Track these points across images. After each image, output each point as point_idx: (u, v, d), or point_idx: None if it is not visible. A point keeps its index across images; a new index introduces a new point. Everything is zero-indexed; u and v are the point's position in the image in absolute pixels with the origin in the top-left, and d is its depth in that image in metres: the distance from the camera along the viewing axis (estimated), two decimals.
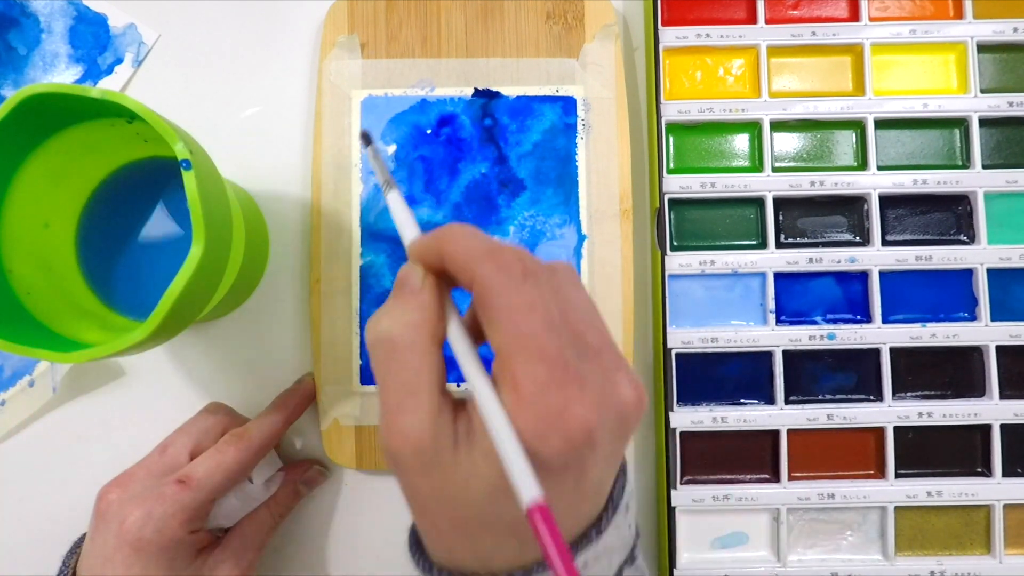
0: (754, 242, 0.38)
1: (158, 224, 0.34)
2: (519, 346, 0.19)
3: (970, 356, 0.38)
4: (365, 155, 0.37)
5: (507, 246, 0.21)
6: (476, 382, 0.20)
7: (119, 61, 0.40)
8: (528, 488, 0.18)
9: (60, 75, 0.40)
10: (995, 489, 0.37)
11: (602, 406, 0.19)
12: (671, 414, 0.37)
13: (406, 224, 0.24)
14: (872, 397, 0.38)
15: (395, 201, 0.26)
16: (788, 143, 0.39)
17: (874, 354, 0.37)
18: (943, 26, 0.38)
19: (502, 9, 0.39)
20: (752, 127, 0.39)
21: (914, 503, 0.37)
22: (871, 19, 0.39)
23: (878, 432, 0.37)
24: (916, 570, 0.36)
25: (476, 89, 0.38)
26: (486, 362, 0.21)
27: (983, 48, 0.39)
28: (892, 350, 0.37)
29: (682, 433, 0.37)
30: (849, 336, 0.37)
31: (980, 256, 0.37)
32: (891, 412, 0.37)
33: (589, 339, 0.20)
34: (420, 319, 0.21)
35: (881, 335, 0.37)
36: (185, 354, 0.39)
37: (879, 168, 0.38)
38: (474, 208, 0.38)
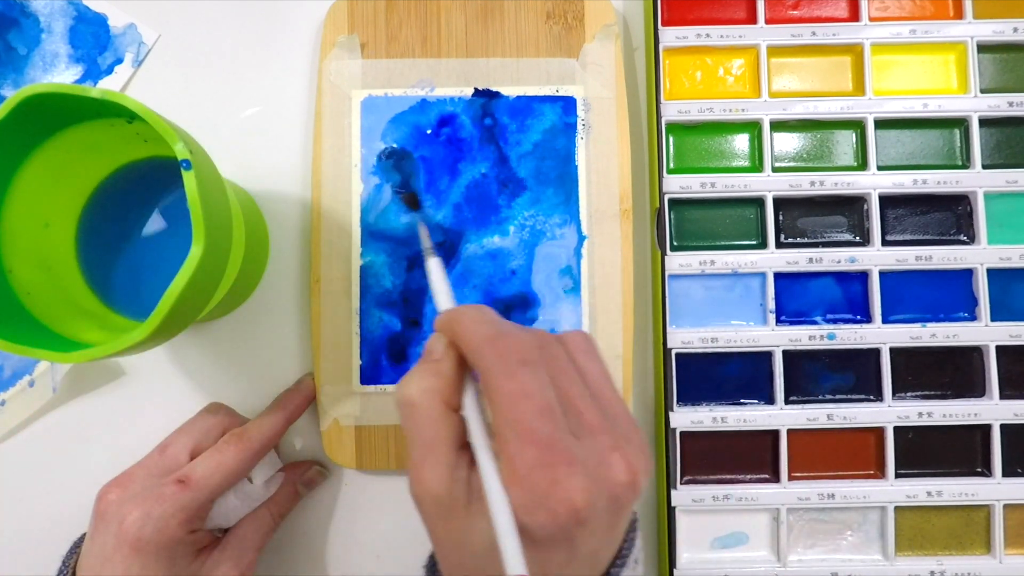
0: (754, 242, 0.38)
1: (158, 224, 0.34)
2: (512, 429, 0.21)
3: (970, 356, 0.38)
4: (414, 219, 0.37)
5: (511, 332, 0.23)
6: (480, 454, 0.22)
7: (119, 61, 0.40)
8: (513, 563, 0.20)
9: (60, 75, 0.40)
10: (995, 489, 0.37)
11: (592, 486, 0.21)
12: (671, 414, 0.37)
13: (440, 293, 0.28)
14: (872, 397, 0.38)
15: (435, 269, 0.29)
16: (788, 143, 0.39)
17: (874, 354, 0.37)
18: (943, 26, 0.38)
19: (502, 9, 0.39)
20: (752, 127, 0.39)
21: (914, 503, 0.37)
22: (871, 19, 0.39)
23: (878, 432, 0.37)
24: (916, 570, 0.36)
25: (476, 89, 0.38)
26: None
27: (983, 48, 0.39)
28: (892, 350, 0.37)
29: (682, 433, 0.37)
30: (849, 336, 0.37)
31: (980, 256, 0.37)
32: (891, 412, 0.37)
33: (587, 418, 0.22)
34: (438, 386, 0.24)
35: (881, 335, 0.37)
36: (185, 354, 0.39)
37: (879, 168, 0.38)
38: (474, 208, 0.38)
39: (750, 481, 0.37)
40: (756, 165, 0.39)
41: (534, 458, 0.21)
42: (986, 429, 0.37)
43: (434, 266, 0.29)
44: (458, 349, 0.24)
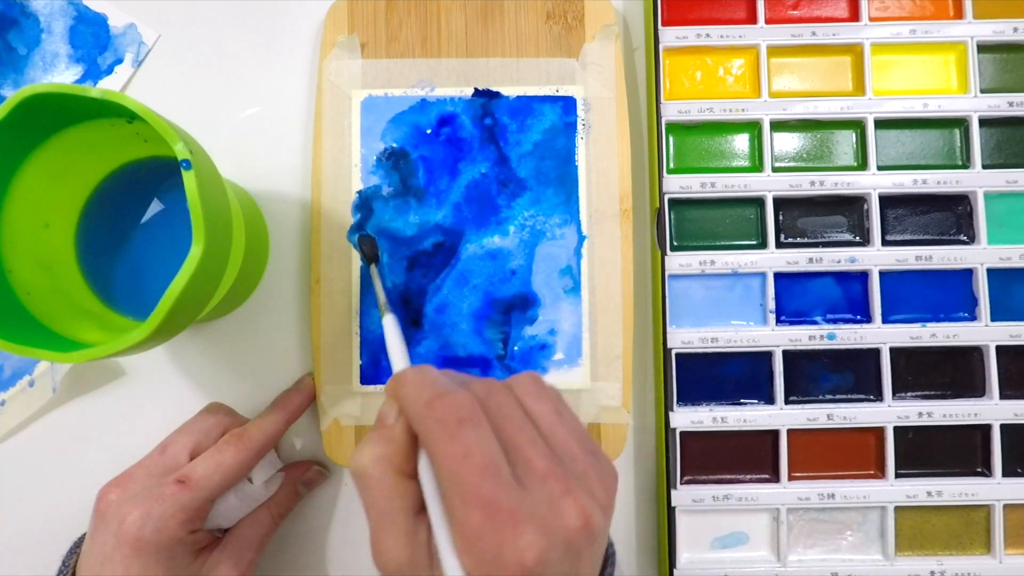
0: (754, 242, 0.38)
1: (158, 224, 0.34)
2: (457, 493, 0.21)
3: (970, 356, 0.38)
4: (364, 269, 0.37)
5: (447, 393, 0.23)
6: (434, 521, 0.22)
7: (119, 61, 0.40)
8: None
9: (60, 75, 0.40)
10: (995, 489, 0.37)
11: (544, 539, 0.20)
12: (671, 414, 0.37)
13: (395, 355, 0.28)
14: (872, 397, 0.38)
15: (390, 328, 0.29)
16: (788, 143, 0.39)
17: (874, 354, 0.37)
18: (943, 26, 0.38)
19: (502, 9, 0.39)
20: (752, 127, 0.39)
21: (914, 503, 0.37)
22: (871, 19, 0.39)
23: (878, 432, 0.37)
24: (916, 570, 0.36)
25: (476, 89, 0.38)
26: None
27: (983, 48, 0.39)
28: (892, 350, 0.37)
29: (682, 433, 0.37)
30: (849, 336, 0.37)
31: (980, 256, 0.37)
32: (891, 412, 0.37)
33: (536, 464, 0.22)
34: (389, 454, 0.23)
35: (881, 335, 0.37)
36: (185, 354, 0.39)
37: (879, 168, 0.38)
38: (474, 208, 0.38)
39: (750, 481, 0.37)
40: (756, 165, 0.39)
41: (480, 521, 0.20)
42: (986, 429, 0.37)
43: (389, 325, 0.29)
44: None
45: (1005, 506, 0.36)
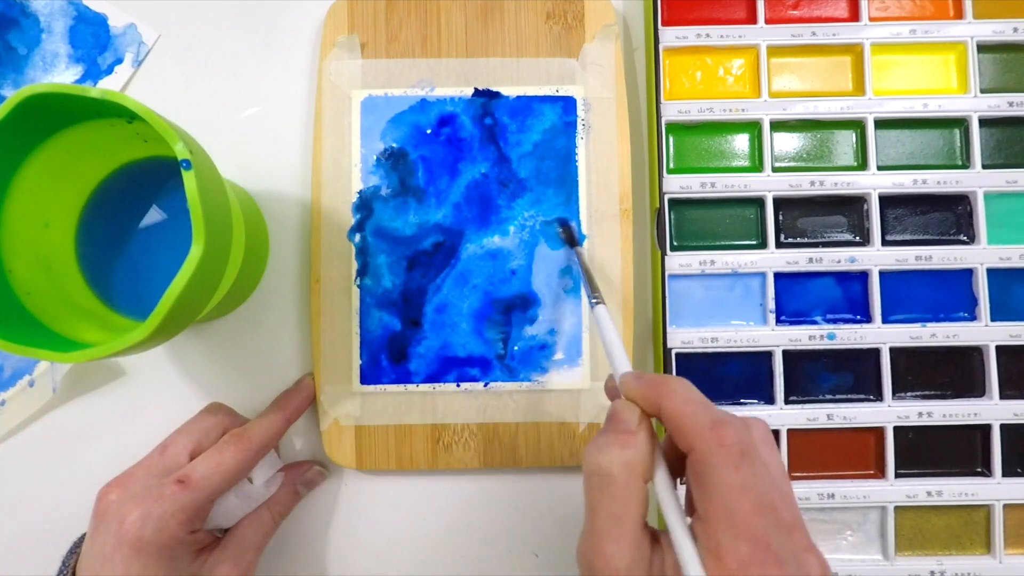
0: (754, 242, 0.38)
1: (158, 224, 0.34)
2: (728, 523, 0.21)
3: (970, 356, 0.38)
4: (573, 256, 0.34)
5: (728, 421, 0.23)
6: (679, 537, 0.22)
7: (119, 61, 0.40)
8: None
9: (60, 75, 0.40)
10: (995, 489, 0.37)
11: None
12: None
13: (617, 351, 0.27)
14: (872, 397, 0.38)
15: (604, 319, 0.28)
16: (788, 143, 0.39)
17: (874, 354, 0.37)
18: (943, 26, 0.38)
19: (502, 9, 0.39)
20: (752, 127, 0.39)
21: (914, 503, 0.37)
22: (871, 19, 0.39)
23: (878, 432, 0.37)
24: (916, 570, 0.36)
25: (476, 89, 0.38)
26: None
27: (983, 48, 0.39)
28: (892, 350, 0.37)
29: None
30: (849, 336, 0.37)
31: (980, 256, 0.37)
32: (891, 412, 0.37)
33: (784, 515, 0.22)
34: (636, 459, 0.23)
35: (881, 335, 0.37)
36: (185, 354, 0.39)
37: (879, 168, 0.38)
38: (474, 208, 0.38)
39: None
40: (756, 165, 0.39)
41: (747, 555, 0.20)
42: (986, 429, 0.37)
43: (604, 316, 0.28)
44: (649, 420, 0.24)
45: (1005, 506, 0.36)
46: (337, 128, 0.38)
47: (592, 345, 0.37)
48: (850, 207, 0.39)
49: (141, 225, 0.34)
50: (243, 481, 0.34)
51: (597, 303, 0.30)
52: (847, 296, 0.38)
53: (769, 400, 0.37)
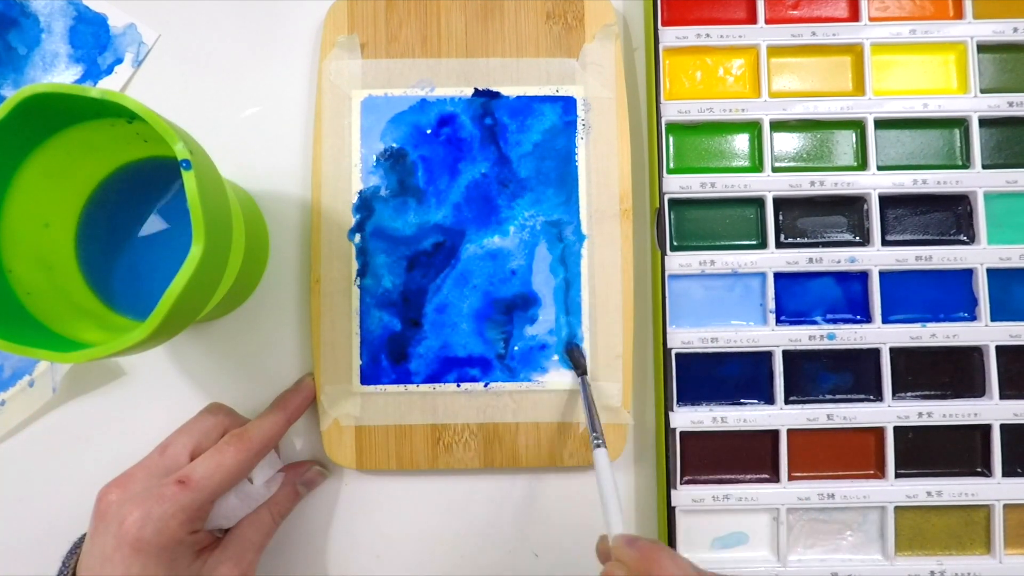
0: (754, 242, 0.38)
1: (158, 224, 0.34)
2: None
3: (970, 356, 0.38)
4: (582, 385, 0.35)
5: None
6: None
7: (119, 61, 0.40)
8: None
9: (60, 75, 0.40)
10: (995, 489, 0.37)
11: None
12: (671, 414, 0.37)
13: (611, 504, 0.28)
14: (872, 397, 0.38)
15: (603, 465, 0.28)
16: (788, 143, 0.39)
17: (874, 354, 0.37)
18: (943, 26, 0.38)
19: (502, 9, 0.39)
20: (752, 127, 0.39)
21: (914, 503, 0.37)
22: (871, 19, 0.39)
23: (878, 432, 0.37)
24: (916, 570, 0.36)
25: (476, 89, 0.38)
26: None
27: (983, 48, 0.39)
28: (892, 350, 0.37)
29: (682, 433, 0.37)
30: (849, 336, 0.37)
31: (980, 256, 0.37)
32: (891, 412, 0.37)
33: None
34: None
35: (881, 335, 0.37)
36: (185, 354, 0.39)
37: (879, 168, 0.38)
38: (474, 208, 0.38)
39: (750, 481, 0.37)
40: (756, 165, 0.39)
41: None
42: (986, 429, 0.37)
43: (602, 462, 0.28)
44: None
45: (1005, 506, 0.36)
46: (337, 128, 0.38)
47: (592, 345, 0.37)
48: (850, 207, 0.39)
49: (141, 234, 0.34)
50: (243, 481, 0.34)
51: (598, 446, 0.30)
52: (847, 296, 0.38)
53: (769, 400, 0.37)
